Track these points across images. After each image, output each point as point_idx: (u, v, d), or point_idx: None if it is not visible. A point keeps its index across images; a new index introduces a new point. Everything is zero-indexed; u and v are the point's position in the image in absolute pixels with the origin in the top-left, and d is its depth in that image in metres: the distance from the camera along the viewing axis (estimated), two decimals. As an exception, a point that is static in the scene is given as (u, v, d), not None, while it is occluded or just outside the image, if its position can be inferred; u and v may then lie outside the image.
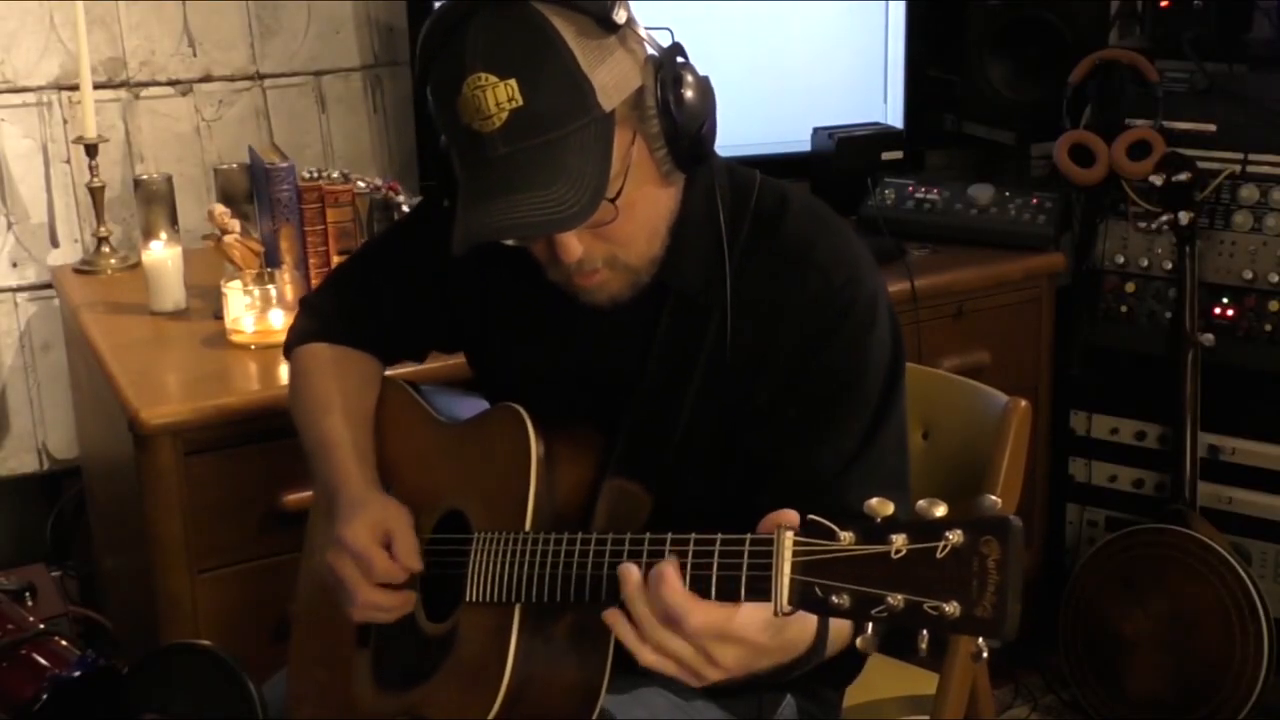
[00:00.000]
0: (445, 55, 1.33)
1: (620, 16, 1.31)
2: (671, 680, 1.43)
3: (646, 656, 1.18)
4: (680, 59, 1.36)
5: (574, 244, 1.35)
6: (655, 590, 1.16)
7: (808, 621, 1.22)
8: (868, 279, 1.43)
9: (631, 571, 1.19)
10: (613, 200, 1.32)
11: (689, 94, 1.34)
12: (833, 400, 1.40)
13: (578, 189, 1.28)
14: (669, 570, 1.15)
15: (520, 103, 1.27)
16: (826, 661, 1.29)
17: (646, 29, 1.36)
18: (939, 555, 1.01)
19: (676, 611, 1.15)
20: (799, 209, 1.46)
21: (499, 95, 1.28)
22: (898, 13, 2.83)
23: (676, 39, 1.37)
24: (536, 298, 1.45)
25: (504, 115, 1.28)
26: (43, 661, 1.65)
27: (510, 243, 1.38)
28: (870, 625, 1.06)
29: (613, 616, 1.19)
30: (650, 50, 1.35)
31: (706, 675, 1.19)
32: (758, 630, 1.16)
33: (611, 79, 1.30)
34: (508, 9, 1.30)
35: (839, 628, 1.27)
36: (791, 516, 1.13)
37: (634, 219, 1.36)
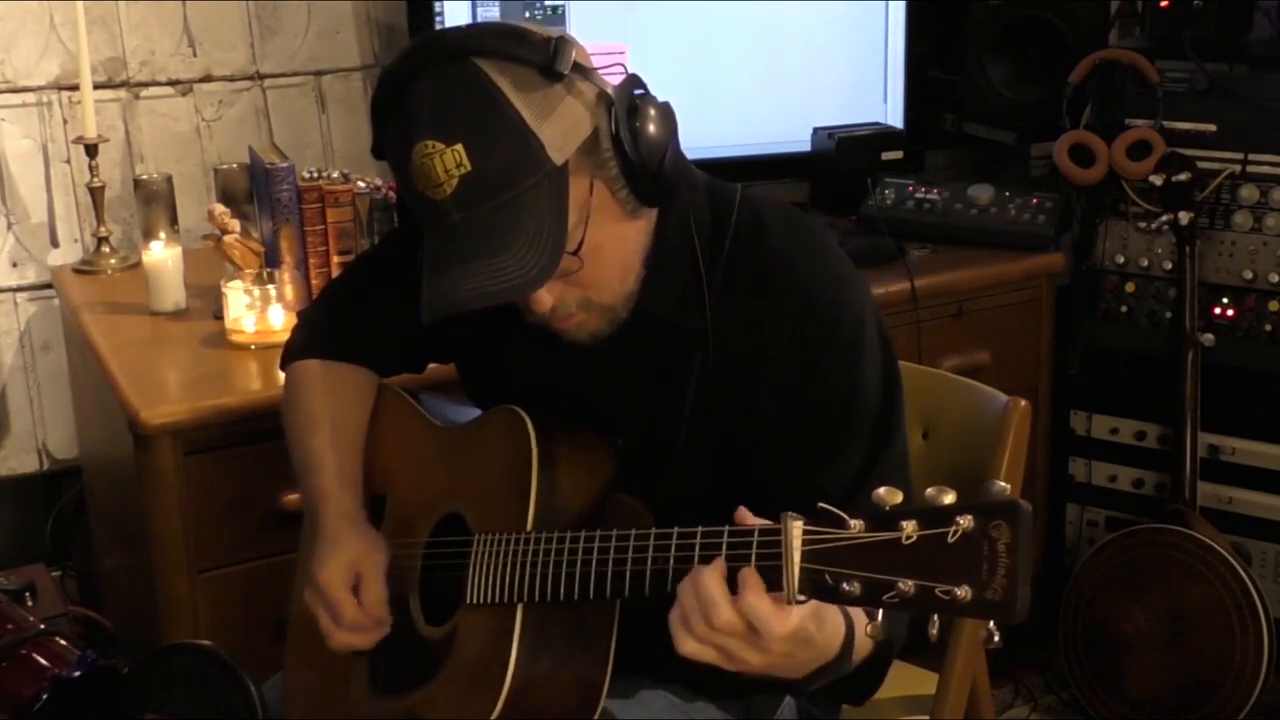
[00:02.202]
0: (394, 123, 1.32)
1: (565, 64, 1.28)
2: (672, 680, 1.44)
3: (687, 645, 1.17)
4: (637, 91, 1.33)
5: (544, 297, 1.34)
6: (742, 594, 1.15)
7: (837, 623, 1.21)
8: (852, 296, 1.41)
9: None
10: (574, 252, 1.30)
11: (647, 128, 1.31)
12: (830, 426, 1.38)
13: (535, 249, 1.27)
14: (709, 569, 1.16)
15: (469, 168, 1.26)
16: (852, 673, 1.30)
17: (597, 56, 1.34)
18: (950, 540, 1.02)
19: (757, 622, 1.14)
20: (780, 226, 1.43)
21: (447, 162, 1.26)
22: (898, 13, 2.83)
23: (635, 53, 1.35)
24: (528, 323, 1.44)
25: (454, 182, 1.26)
26: (43, 661, 1.65)
27: None
28: (880, 612, 1.07)
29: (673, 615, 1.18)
30: (602, 88, 1.32)
31: (748, 662, 1.17)
32: (805, 617, 1.15)
33: (560, 130, 1.28)
34: (449, 71, 1.28)
35: (860, 637, 1.27)
36: (746, 515, 1.16)
37: (602, 262, 1.34)
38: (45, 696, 1.60)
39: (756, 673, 1.19)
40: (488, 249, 1.27)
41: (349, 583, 1.47)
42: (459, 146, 1.26)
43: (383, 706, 1.49)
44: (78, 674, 1.63)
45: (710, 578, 1.15)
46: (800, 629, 1.15)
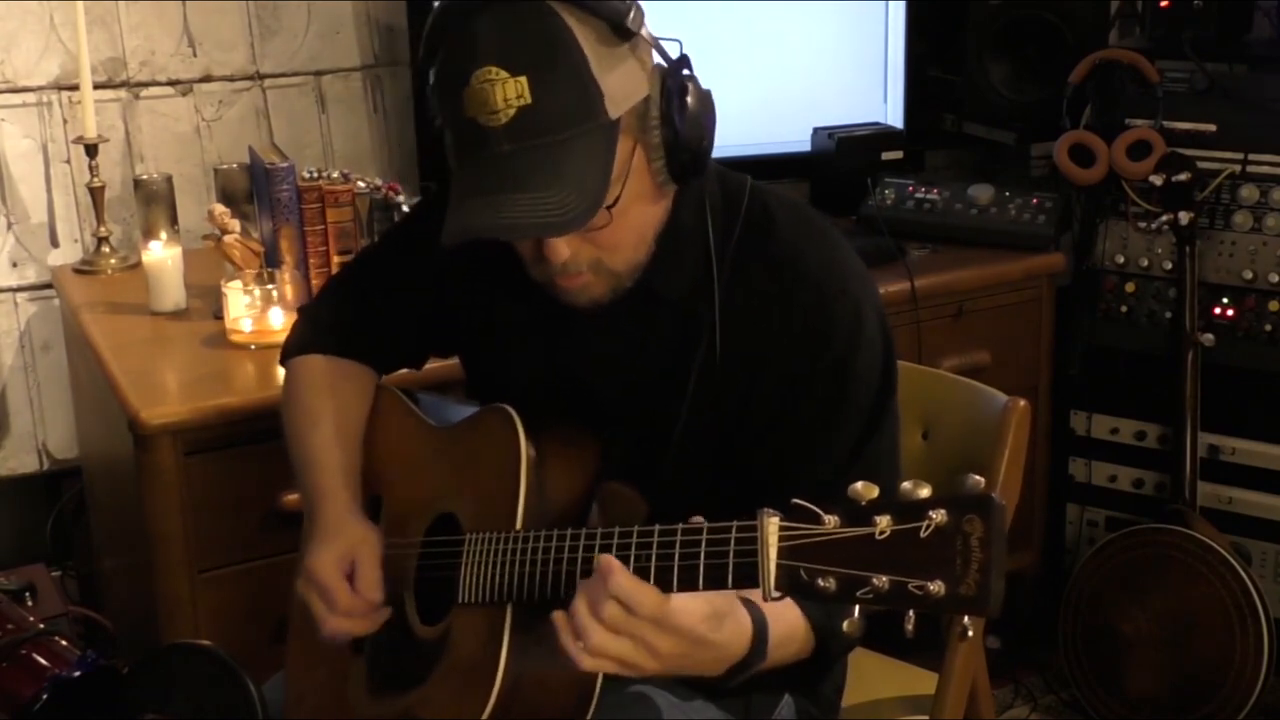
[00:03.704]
0: (454, 44, 1.31)
1: (636, 25, 1.30)
2: (668, 680, 1.44)
3: (585, 661, 1.21)
4: (686, 71, 1.35)
5: (563, 247, 1.35)
6: (604, 583, 1.18)
7: (741, 620, 1.24)
8: (857, 289, 1.43)
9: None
10: (609, 208, 1.32)
11: (692, 108, 1.33)
12: (824, 412, 1.40)
13: (578, 194, 1.28)
14: (615, 566, 1.19)
15: (529, 101, 1.27)
16: (795, 667, 1.31)
17: (656, 38, 1.35)
18: (923, 535, 1.02)
19: (627, 596, 1.18)
20: (790, 216, 1.46)
21: (508, 91, 1.27)
22: (898, 13, 2.83)
23: (685, 50, 1.36)
24: (531, 305, 1.45)
25: (511, 112, 1.27)
26: (43, 661, 1.65)
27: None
28: (856, 608, 1.06)
29: (558, 619, 1.22)
30: (657, 60, 1.35)
31: (645, 666, 1.21)
32: (696, 620, 1.19)
33: (621, 87, 1.30)
34: (524, 4, 1.29)
35: (790, 633, 1.29)
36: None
37: (625, 226, 1.36)
38: (45, 696, 1.60)
39: (662, 670, 1.22)
40: (530, 184, 1.28)
41: (343, 570, 1.47)
42: (523, 78, 1.27)
43: (380, 706, 1.49)
44: (78, 674, 1.63)
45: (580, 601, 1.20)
46: (666, 615, 1.18)
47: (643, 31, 1.32)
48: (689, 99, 1.33)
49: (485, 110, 1.28)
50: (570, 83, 1.28)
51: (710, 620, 1.20)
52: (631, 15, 1.30)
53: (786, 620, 1.32)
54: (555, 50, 1.28)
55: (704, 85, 1.37)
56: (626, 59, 1.31)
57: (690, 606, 1.19)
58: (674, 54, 1.36)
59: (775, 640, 1.28)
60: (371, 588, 1.47)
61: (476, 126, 1.29)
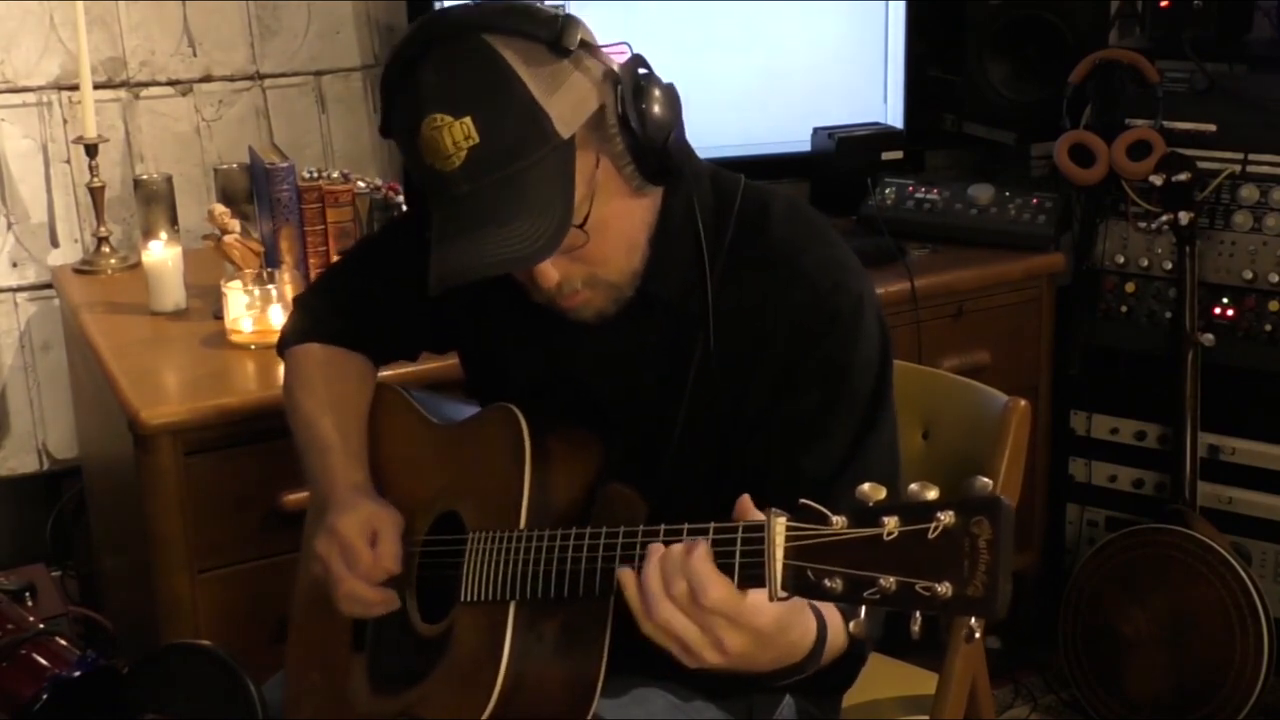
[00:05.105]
0: (402, 98, 1.33)
1: (572, 40, 1.30)
2: (668, 679, 1.44)
3: (647, 625, 1.18)
4: (642, 70, 1.35)
5: (550, 271, 1.36)
6: (684, 557, 1.15)
7: (808, 625, 1.23)
8: (853, 284, 1.43)
9: (657, 545, 1.19)
10: (581, 226, 1.32)
11: (652, 107, 1.33)
12: (822, 406, 1.40)
13: (543, 220, 1.28)
14: (702, 544, 1.16)
15: (477, 140, 1.28)
16: (824, 669, 1.30)
17: (604, 46, 1.35)
18: (931, 536, 1.02)
19: (699, 581, 1.14)
20: (783, 213, 1.45)
21: (455, 134, 1.28)
22: (898, 13, 2.83)
23: (637, 51, 1.36)
24: (529, 305, 1.45)
25: (463, 154, 1.28)
26: (43, 661, 1.65)
27: None
28: (863, 609, 1.06)
29: (625, 576, 1.20)
30: (609, 66, 1.34)
31: (706, 657, 1.18)
32: (768, 620, 1.17)
33: (568, 104, 1.30)
34: (458, 46, 1.30)
35: (834, 635, 1.28)
36: (749, 505, 1.17)
37: (608, 238, 1.36)
38: (45, 696, 1.60)
39: (724, 664, 1.19)
40: (495, 219, 1.29)
41: (366, 536, 1.47)
42: (467, 119, 1.28)
43: (380, 704, 1.49)
44: (78, 674, 1.63)
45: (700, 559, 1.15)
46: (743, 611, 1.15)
47: (584, 43, 1.31)
48: (646, 99, 1.33)
49: (440, 157, 1.29)
50: (515, 113, 1.28)
51: (780, 622, 1.19)
52: (566, 30, 1.30)
53: (834, 625, 1.30)
54: (495, 85, 1.28)
55: (666, 80, 1.36)
56: (570, 74, 1.30)
57: (764, 607, 1.16)
58: (623, 56, 1.35)
59: (827, 647, 1.27)
60: (392, 558, 1.46)
61: (435, 173, 1.30)
